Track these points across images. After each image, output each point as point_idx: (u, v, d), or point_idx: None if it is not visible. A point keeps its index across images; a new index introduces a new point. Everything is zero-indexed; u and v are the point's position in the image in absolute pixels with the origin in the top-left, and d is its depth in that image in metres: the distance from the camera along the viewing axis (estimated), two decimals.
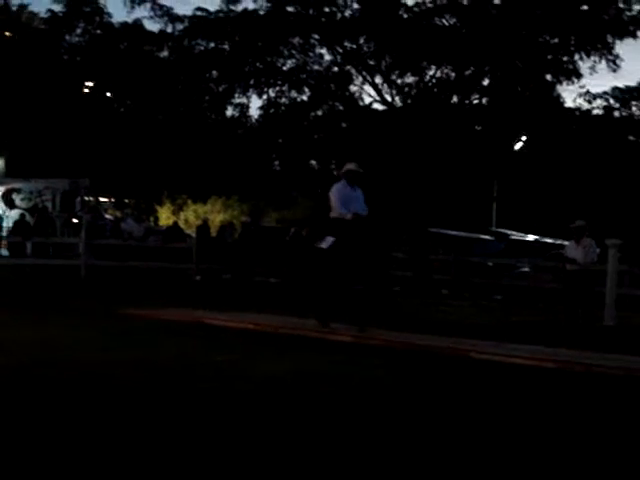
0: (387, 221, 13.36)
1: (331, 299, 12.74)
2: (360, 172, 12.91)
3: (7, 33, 38.38)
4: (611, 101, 30.97)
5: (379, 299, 12.89)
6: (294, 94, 30.44)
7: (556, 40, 28.75)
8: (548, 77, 29.84)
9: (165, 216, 41.04)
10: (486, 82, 29.95)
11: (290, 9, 29.14)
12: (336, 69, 29.95)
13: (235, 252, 24.92)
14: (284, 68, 30.10)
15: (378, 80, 29.18)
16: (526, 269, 26.47)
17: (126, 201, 40.63)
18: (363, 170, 13.08)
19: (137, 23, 34.57)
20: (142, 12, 31.20)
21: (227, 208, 43.16)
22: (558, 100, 30.83)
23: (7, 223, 27.44)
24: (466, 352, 10.76)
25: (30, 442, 5.62)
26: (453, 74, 28.93)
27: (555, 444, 6.18)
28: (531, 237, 35.04)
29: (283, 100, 30.60)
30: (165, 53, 33.28)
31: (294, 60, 30.00)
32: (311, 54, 29.92)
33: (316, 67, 30.14)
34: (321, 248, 12.64)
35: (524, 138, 31.80)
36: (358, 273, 12.43)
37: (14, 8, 40.00)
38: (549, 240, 33.56)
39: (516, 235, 35.61)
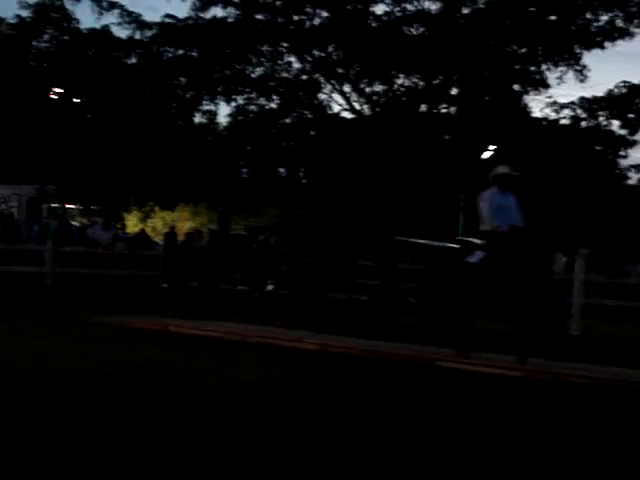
0: (548, 234, 11.69)
1: (471, 324, 11.32)
2: (515, 175, 11.23)
3: None
4: (578, 111, 31.09)
5: (544, 325, 11.25)
6: (263, 102, 30.38)
7: (524, 50, 28.91)
8: (516, 87, 29.99)
9: (132, 223, 40.73)
10: (454, 91, 30.06)
11: (259, 17, 29.09)
12: (305, 77, 29.94)
13: (203, 259, 24.79)
14: (253, 76, 30.05)
15: (347, 88, 29.20)
16: None
17: (93, 208, 40.27)
18: (518, 173, 11.36)
19: (105, 29, 34.35)
20: (110, 18, 31.08)
21: (195, 215, 42.91)
22: (525, 110, 30.99)
23: None
24: (433, 360, 10.78)
25: None
26: (422, 83, 28.99)
27: (517, 452, 6.19)
28: None
29: (252, 107, 30.55)
30: (133, 60, 33.12)
31: (263, 68, 29.98)
32: (280, 62, 29.90)
33: (285, 75, 30.12)
34: (469, 264, 10.98)
35: (492, 147, 31.88)
36: (512, 295, 10.75)
37: None
38: None
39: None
